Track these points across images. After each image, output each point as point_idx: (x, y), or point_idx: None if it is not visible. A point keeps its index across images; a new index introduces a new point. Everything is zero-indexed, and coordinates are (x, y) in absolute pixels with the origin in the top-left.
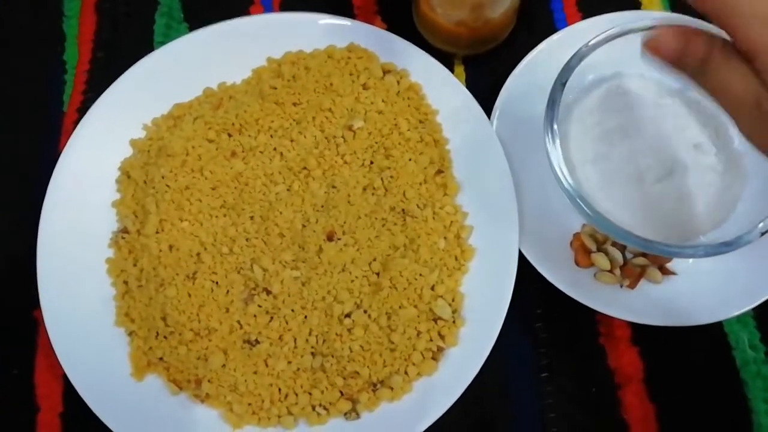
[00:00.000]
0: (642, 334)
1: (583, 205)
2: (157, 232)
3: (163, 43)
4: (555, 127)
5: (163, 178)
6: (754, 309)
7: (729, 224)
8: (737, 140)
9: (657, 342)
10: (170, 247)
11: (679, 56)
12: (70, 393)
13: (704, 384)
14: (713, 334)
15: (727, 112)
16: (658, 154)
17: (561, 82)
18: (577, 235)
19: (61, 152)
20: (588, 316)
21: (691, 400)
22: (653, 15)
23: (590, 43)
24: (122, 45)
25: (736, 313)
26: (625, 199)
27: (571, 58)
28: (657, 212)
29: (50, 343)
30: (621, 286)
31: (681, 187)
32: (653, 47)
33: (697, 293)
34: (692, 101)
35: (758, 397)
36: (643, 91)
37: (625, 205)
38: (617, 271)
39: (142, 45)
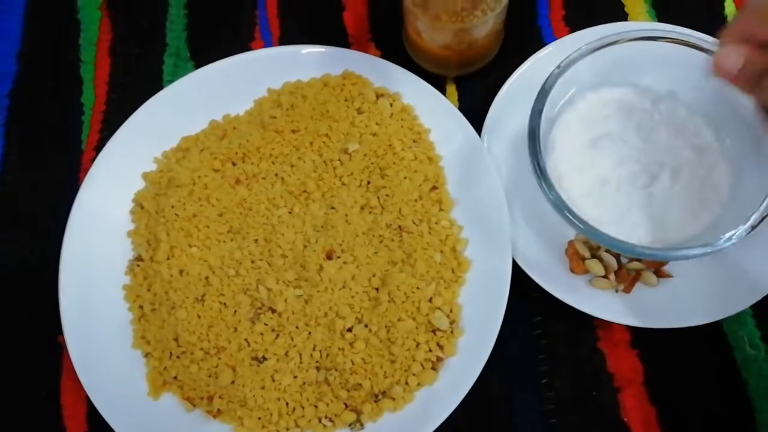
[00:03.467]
0: (641, 338)
1: (570, 217)
2: (168, 258)
3: (171, 81)
4: (539, 149)
5: (172, 207)
6: (752, 307)
7: (726, 221)
8: (732, 138)
9: (656, 344)
10: (180, 272)
11: (740, 72)
12: (93, 413)
13: (705, 385)
14: (712, 335)
15: None
16: (649, 158)
17: (537, 108)
18: (570, 243)
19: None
20: (586, 322)
21: (692, 402)
22: (635, 26)
23: (561, 65)
24: (134, 86)
25: (735, 311)
26: (616, 206)
27: (545, 81)
28: (651, 215)
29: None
30: (616, 291)
31: (675, 188)
32: (716, 66)
33: (694, 294)
34: (685, 104)
35: (760, 395)
36: (631, 98)
37: (617, 211)
38: (612, 277)
39: (152, 84)
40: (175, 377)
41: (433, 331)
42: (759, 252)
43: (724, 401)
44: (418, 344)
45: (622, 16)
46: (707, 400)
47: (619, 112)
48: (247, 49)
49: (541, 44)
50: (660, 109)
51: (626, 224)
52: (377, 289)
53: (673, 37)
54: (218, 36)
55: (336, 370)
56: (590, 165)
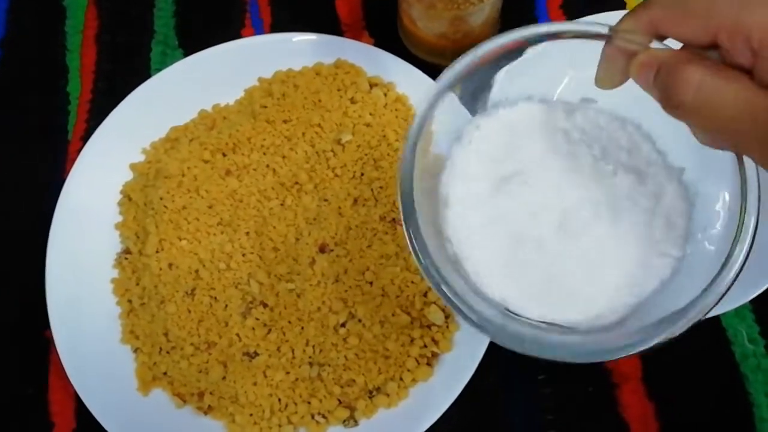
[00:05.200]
0: None
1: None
2: (157, 252)
3: (159, 70)
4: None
5: (161, 199)
6: (751, 302)
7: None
8: (672, 153)
9: None
10: (170, 266)
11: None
12: (82, 410)
13: (704, 380)
14: (711, 330)
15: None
16: (573, 196)
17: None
18: None
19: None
20: None
21: (690, 397)
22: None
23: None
24: (121, 74)
25: (734, 306)
26: (538, 274)
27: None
28: (584, 277)
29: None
30: None
31: (612, 233)
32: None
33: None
34: (610, 110)
35: (759, 390)
36: (538, 115)
37: (539, 283)
38: None
39: (140, 73)
40: (165, 373)
41: (428, 326)
42: (758, 245)
43: (723, 396)
44: (412, 339)
45: (621, 5)
46: (706, 396)
47: (527, 139)
48: (238, 36)
49: None
50: (577, 124)
51: (554, 297)
52: (371, 283)
53: (578, 30)
54: (207, 23)
55: (329, 365)
56: (493, 223)
